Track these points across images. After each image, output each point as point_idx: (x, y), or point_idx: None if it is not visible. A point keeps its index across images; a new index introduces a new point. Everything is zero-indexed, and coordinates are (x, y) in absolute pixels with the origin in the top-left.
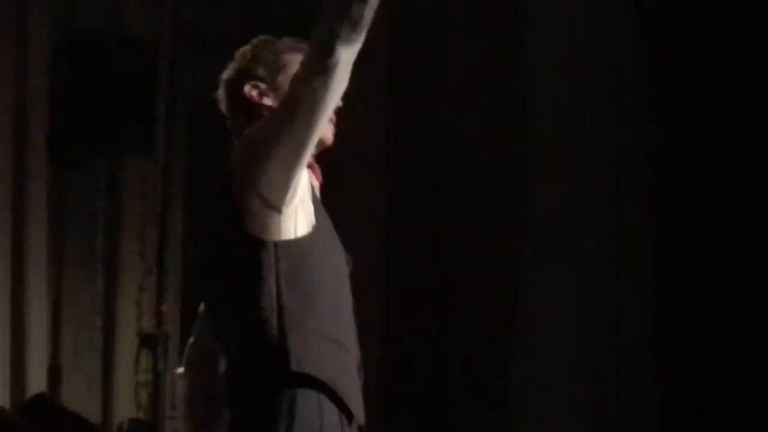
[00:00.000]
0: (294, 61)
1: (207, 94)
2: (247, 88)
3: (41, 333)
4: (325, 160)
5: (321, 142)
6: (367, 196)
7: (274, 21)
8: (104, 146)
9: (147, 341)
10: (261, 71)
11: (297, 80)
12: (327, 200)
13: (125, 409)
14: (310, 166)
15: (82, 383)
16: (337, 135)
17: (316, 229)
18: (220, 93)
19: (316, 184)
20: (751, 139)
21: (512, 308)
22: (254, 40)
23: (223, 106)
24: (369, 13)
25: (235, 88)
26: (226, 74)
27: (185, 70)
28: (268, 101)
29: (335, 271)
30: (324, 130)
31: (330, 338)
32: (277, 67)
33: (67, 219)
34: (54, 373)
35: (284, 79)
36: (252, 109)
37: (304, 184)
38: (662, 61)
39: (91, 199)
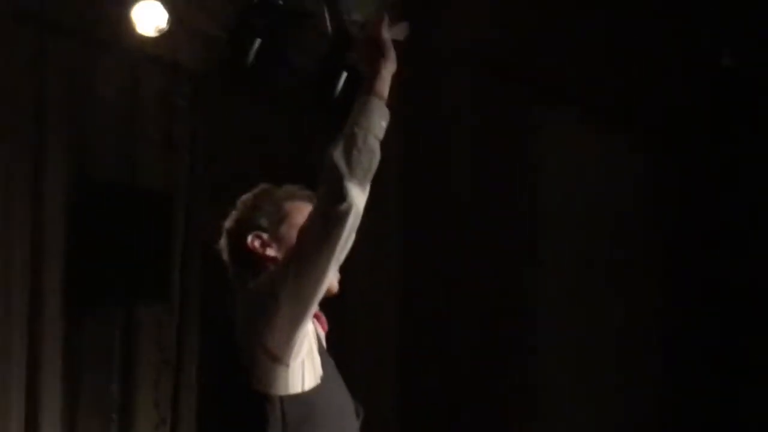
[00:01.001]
0: (296, 210)
1: (213, 243)
2: (249, 239)
3: None
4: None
5: (327, 290)
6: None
7: (288, 168)
8: (119, 295)
9: None
10: (263, 221)
11: (305, 232)
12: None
13: None
14: (316, 316)
15: None
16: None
17: (324, 381)
18: (222, 242)
19: (322, 334)
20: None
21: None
22: (255, 190)
23: (225, 255)
24: (377, 160)
25: (237, 238)
26: (228, 223)
27: (200, 218)
28: (271, 252)
29: (342, 423)
30: (331, 279)
31: None
32: (279, 217)
33: (82, 367)
34: None
35: (286, 230)
36: (254, 259)
37: (311, 336)
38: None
39: (105, 347)
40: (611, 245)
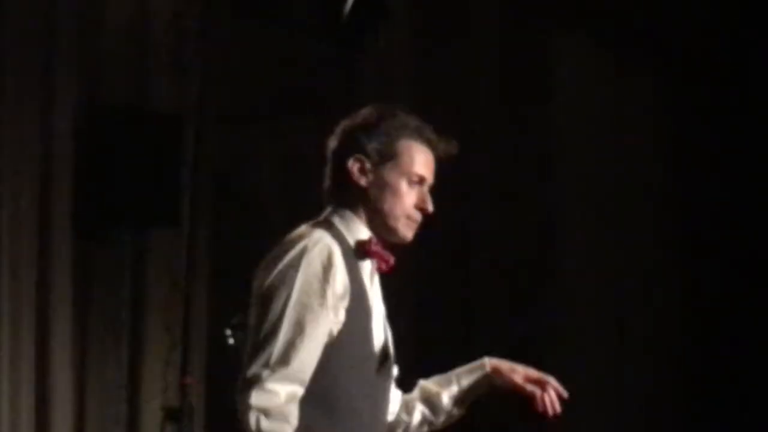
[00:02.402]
0: (408, 152)
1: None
2: (350, 162)
3: (66, 407)
4: None
5: (399, 239)
6: None
7: (299, 93)
8: (130, 219)
9: (172, 414)
10: (371, 147)
11: None
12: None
13: None
14: (376, 254)
15: None
16: None
17: (341, 338)
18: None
19: (371, 274)
20: None
21: None
22: (378, 107)
23: (326, 169)
24: None
25: (341, 155)
26: (340, 129)
27: (210, 142)
28: (363, 182)
29: (360, 376)
30: (403, 225)
31: None
32: (388, 153)
33: (92, 292)
34: None
35: (389, 170)
36: (347, 183)
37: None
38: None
39: (116, 272)
40: (626, 176)
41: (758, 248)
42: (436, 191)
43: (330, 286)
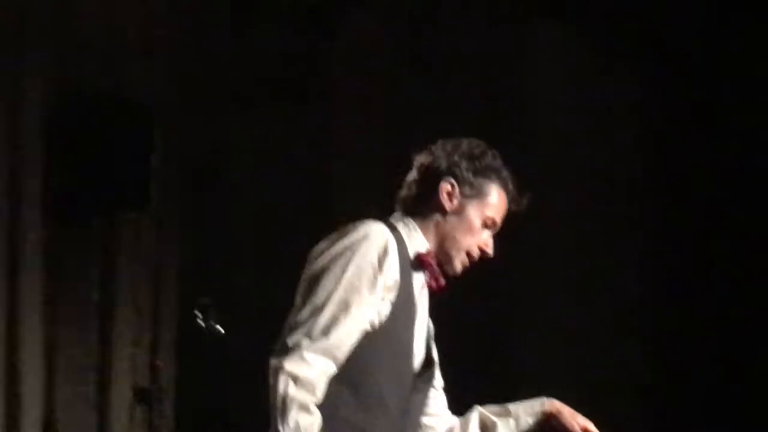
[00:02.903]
0: (494, 199)
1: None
2: (443, 182)
3: (35, 387)
4: None
5: (451, 269)
6: None
7: (270, 81)
8: (100, 202)
9: (142, 395)
10: (467, 177)
11: None
12: None
13: None
14: (431, 268)
15: None
16: None
17: (384, 330)
18: (414, 172)
19: (421, 288)
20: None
21: None
22: (482, 143)
23: (410, 183)
24: None
25: (433, 173)
26: (440, 147)
27: (181, 127)
28: (448, 205)
29: (393, 371)
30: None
31: (362, 431)
32: (479, 189)
33: (63, 274)
34: (48, 428)
35: (474, 206)
36: (431, 199)
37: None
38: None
39: (86, 254)
40: (604, 163)
41: (744, 245)
42: None
43: (382, 275)
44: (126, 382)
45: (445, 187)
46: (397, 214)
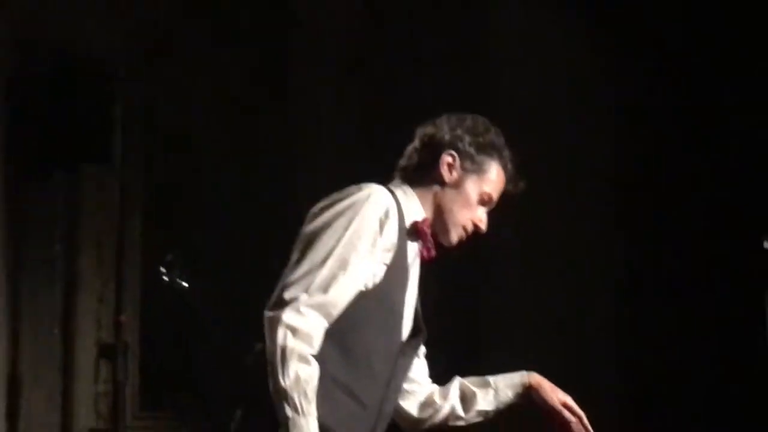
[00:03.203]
0: (492, 173)
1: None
2: (445, 154)
3: (0, 344)
4: None
5: (446, 240)
6: None
7: (229, 34)
8: (62, 156)
9: (106, 351)
10: (468, 151)
11: None
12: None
13: (86, 419)
14: (426, 236)
15: (42, 394)
16: None
17: (376, 291)
18: (416, 143)
19: (414, 256)
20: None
21: None
22: (486, 120)
23: (410, 153)
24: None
25: (435, 144)
26: (444, 120)
27: (141, 79)
28: (448, 177)
29: (383, 333)
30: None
31: (348, 390)
32: (479, 165)
33: (26, 229)
34: (13, 385)
35: (473, 181)
36: (431, 170)
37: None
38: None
39: (48, 209)
40: (568, 129)
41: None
42: None
43: (382, 237)
44: (90, 338)
45: (447, 158)
46: (396, 182)
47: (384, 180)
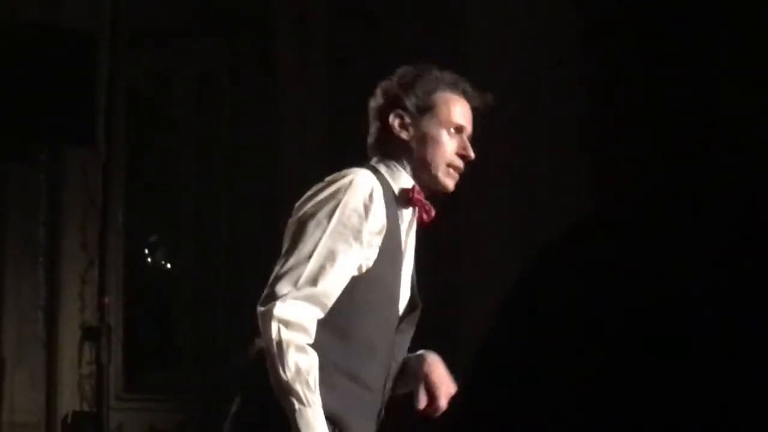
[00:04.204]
0: (445, 104)
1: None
2: (391, 117)
3: None
4: None
5: (442, 188)
6: None
7: (215, 13)
8: (45, 139)
9: (90, 333)
10: (409, 102)
11: None
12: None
13: (69, 401)
14: (419, 201)
15: (26, 376)
16: None
17: (369, 274)
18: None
19: (409, 225)
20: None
21: None
22: (414, 66)
23: (369, 126)
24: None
25: (384, 113)
26: (379, 89)
27: (124, 61)
28: (404, 135)
29: (380, 315)
30: (444, 173)
31: (351, 376)
32: (426, 105)
33: (9, 212)
34: None
35: (428, 121)
36: (389, 139)
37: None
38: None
39: (32, 191)
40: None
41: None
42: None
43: (367, 222)
44: (74, 320)
45: (394, 120)
46: (374, 159)
47: (363, 160)
